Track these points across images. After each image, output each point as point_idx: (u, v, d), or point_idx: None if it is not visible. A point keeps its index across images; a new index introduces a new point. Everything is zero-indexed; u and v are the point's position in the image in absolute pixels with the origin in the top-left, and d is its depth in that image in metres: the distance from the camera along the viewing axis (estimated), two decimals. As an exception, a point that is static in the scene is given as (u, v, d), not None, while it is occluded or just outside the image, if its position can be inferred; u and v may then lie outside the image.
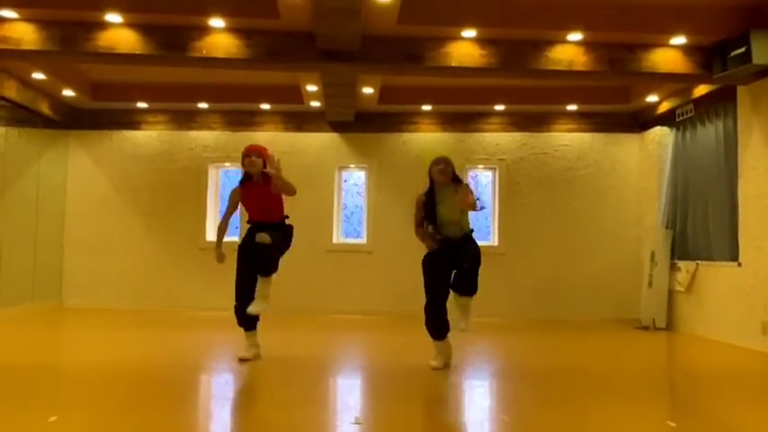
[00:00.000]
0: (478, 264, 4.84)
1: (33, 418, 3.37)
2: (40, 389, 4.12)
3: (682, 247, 7.81)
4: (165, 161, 9.03)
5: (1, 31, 5.83)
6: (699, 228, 7.48)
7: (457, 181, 4.96)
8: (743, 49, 5.68)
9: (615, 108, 8.61)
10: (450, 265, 4.84)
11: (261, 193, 5.08)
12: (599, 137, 8.89)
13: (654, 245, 8.06)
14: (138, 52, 5.95)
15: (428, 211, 4.89)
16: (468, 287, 4.81)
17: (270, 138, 9.09)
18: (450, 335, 4.98)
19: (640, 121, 8.72)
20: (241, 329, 5.19)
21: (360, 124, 8.95)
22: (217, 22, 5.86)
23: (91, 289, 8.90)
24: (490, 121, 8.98)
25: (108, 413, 3.60)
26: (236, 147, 9.01)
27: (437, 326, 4.90)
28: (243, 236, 5.24)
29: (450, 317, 4.92)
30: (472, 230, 4.97)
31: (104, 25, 5.87)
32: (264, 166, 5.00)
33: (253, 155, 5.08)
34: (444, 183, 4.89)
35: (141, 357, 5.40)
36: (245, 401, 4.18)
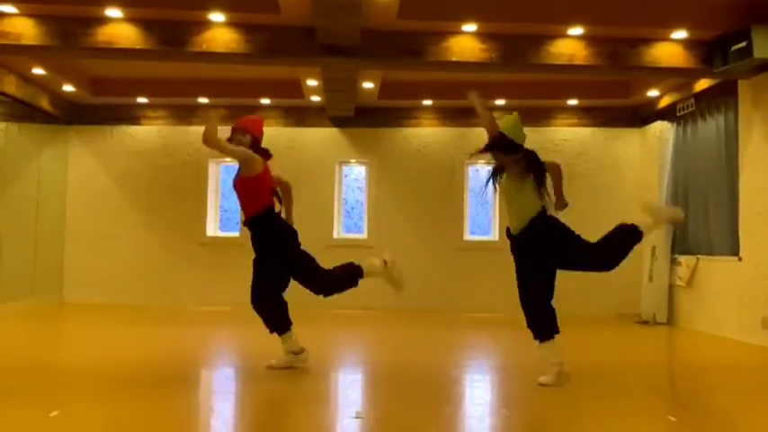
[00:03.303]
0: (565, 246, 4.26)
1: (34, 413, 3.38)
2: (41, 384, 4.12)
3: (682, 242, 7.81)
4: (166, 156, 9.02)
5: (0, 25, 5.82)
6: (699, 222, 7.48)
7: (531, 163, 4.23)
8: (744, 44, 5.67)
9: (616, 103, 8.60)
10: (531, 258, 4.34)
11: (240, 180, 4.40)
12: (599, 131, 8.88)
13: (654, 240, 8.05)
14: (137, 47, 5.94)
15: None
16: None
17: (270, 133, 9.02)
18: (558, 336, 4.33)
19: (641, 116, 8.70)
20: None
21: (360, 119, 8.93)
22: (217, 16, 5.84)
23: (92, 284, 8.90)
24: (490, 115, 8.95)
25: (109, 408, 3.60)
26: (236, 142, 9.02)
27: (534, 325, 4.34)
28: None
29: None
30: (542, 210, 4.27)
31: (104, 20, 5.87)
32: (256, 140, 4.38)
33: (238, 133, 4.40)
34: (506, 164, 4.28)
35: (142, 352, 5.41)
36: (246, 396, 4.18)
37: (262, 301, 4.56)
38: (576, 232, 4.41)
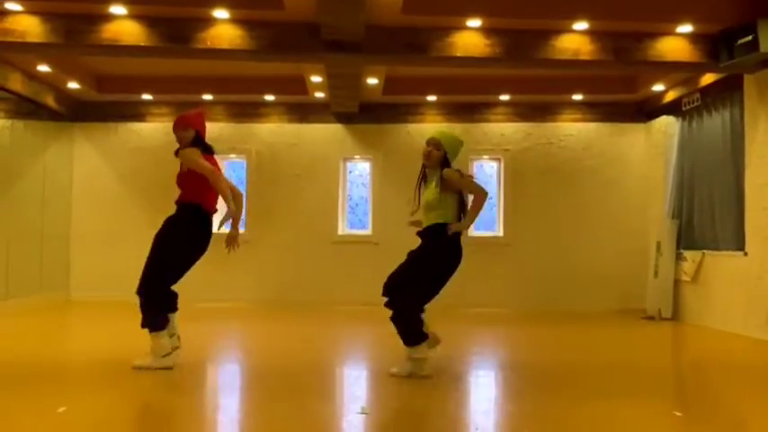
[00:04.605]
0: (424, 258, 4.36)
1: (42, 409, 3.39)
2: (48, 380, 4.15)
3: (688, 237, 7.79)
4: (171, 153, 8.90)
5: (6, 23, 5.84)
6: (705, 217, 7.46)
7: (446, 166, 4.39)
8: (750, 38, 5.64)
9: (621, 98, 8.57)
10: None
11: (184, 173, 4.50)
12: (604, 127, 8.86)
13: (659, 235, 8.05)
14: (142, 44, 5.95)
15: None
16: (394, 308, 4.31)
17: (274, 129, 9.10)
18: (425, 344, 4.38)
19: (646, 111, 8.68)
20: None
21: (364, 115, 8.93)
22: (221, 13, 5.85)
23: (98, 281, 8.92)
24: (495, 111, 8.95)
25: (115, 404, 3.62)
26: (240, 139, 9.03)
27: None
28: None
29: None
30: (443, 224, 4.33)
31: (108, 17, 5.87)
32: (199, 138, 4.41)
33: (179, 130, 4.45)
34: (430, 166, 4.45)
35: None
36: (252, 392, 4.20)
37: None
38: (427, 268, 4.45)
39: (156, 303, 4.44)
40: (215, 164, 4.56)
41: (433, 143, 4.44)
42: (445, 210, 4.38)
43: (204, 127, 4.60)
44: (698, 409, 3.84)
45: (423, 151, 4.47)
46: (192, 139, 4.49)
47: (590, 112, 8.86)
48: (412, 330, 4.28)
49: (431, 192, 4.40)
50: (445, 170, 4.36)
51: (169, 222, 4.49)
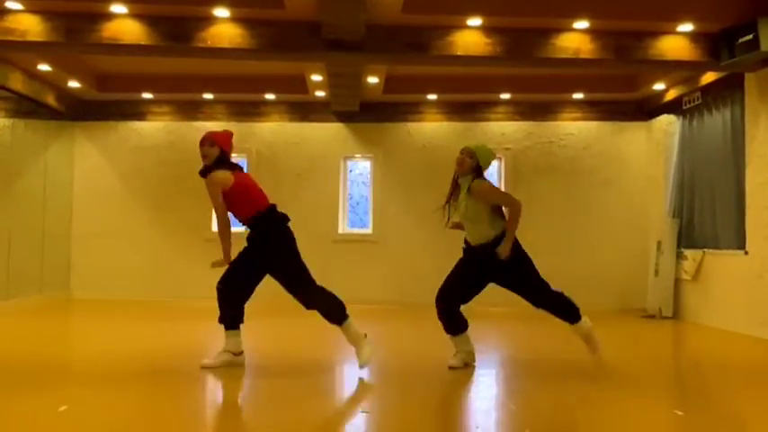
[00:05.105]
0: (517, 271, 4.64)
1: (43, 408, 3.39)
2: (49, 379, 4.15)
3: (688, 236, 7.79)
4: (171, 152, 9.03)
5: (6, 22, 5.84)
6: (705, 216, 7.46)
7: (479, 175, 4.49)
8: (750, 36, 5.64)
9: (622, 96, 8.56)
10: (476, 273, 4.62)
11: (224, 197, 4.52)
12: (605, 125, 8.85)
13: (660, 234, 8.05)
14: (142, 43, 5.95)
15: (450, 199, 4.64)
16: (545, 307, 4.71)
17: (275, 128, 9.10)
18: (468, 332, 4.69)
19: (647, 110, 8.67)
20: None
21: (365, 114, 8.93)
22: (221, 12, 5.85)
23: (99, 280, 8.94)
24: (496, 110, 8.95)
25: (117, 403, 3.62)
26: (241, 137, 9.00)
27: (443, 321, 4.66)
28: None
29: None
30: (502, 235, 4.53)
31: (109, 16, 5.88)
32: (224, 155, 4.38)
33: (206, 144, 4.38)
34: (462, 173, 4.53)
35: (149, 348, 5.43)
36: (253, 392, 4.20)
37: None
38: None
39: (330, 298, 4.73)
40: (250, 181, 4.57)
41: (467, 152, 4.53)
42: (492, 221, 4.56)
43: (230, 147, 4.51)
44: (699, 408, 3.84)
45: (456, 159, 4.53)
46: (217, 156, 4.41)
47: (591, 111, 8.86)
48: (570, 308, 4.75)
49: (464, 203, 4.48)
50: (474, 182, 4.43)
51: (258, 245, 4.71)
